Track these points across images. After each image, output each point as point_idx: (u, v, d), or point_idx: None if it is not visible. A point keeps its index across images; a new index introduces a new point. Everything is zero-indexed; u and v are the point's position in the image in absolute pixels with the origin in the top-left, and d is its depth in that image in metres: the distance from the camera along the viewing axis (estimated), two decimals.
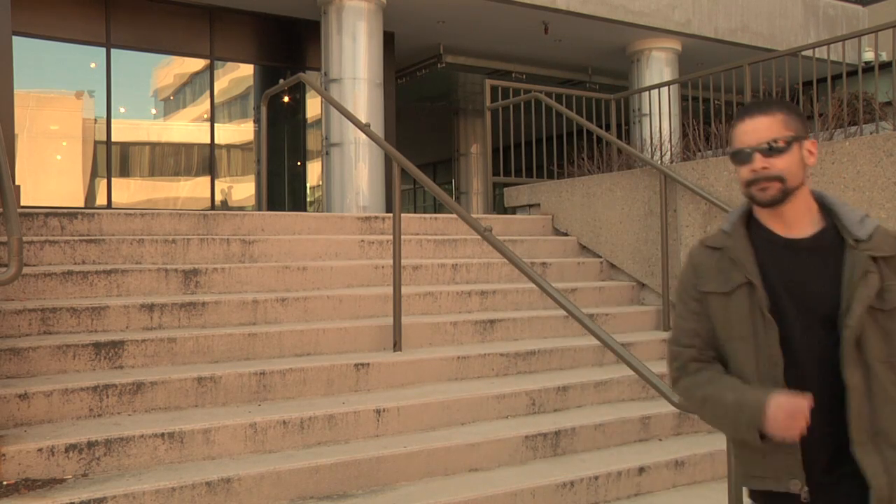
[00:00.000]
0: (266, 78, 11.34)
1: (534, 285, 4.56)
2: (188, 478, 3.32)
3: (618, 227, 6.70)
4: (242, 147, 11.45)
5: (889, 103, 6.95)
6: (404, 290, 5.14)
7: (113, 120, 10.38)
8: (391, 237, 5.66)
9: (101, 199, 10.31)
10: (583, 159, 8.37)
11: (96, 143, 10.37)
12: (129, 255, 5.01)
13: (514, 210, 8.03)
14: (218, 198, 11.06)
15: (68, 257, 4.85)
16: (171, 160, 10.97)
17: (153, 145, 10.91)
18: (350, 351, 4.69)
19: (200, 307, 4.58)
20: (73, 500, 3.05)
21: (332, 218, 6.13)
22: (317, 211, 11.41)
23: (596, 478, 3.91)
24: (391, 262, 5.41)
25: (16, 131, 9.48)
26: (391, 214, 5.89)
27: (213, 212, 5.92)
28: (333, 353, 4.64)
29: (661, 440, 4.53)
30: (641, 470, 4.07)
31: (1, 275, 3.08)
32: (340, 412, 3.92)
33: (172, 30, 10.66)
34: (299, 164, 11.88)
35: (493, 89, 8.46)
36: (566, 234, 7.23)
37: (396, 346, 4.72)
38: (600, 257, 6.83)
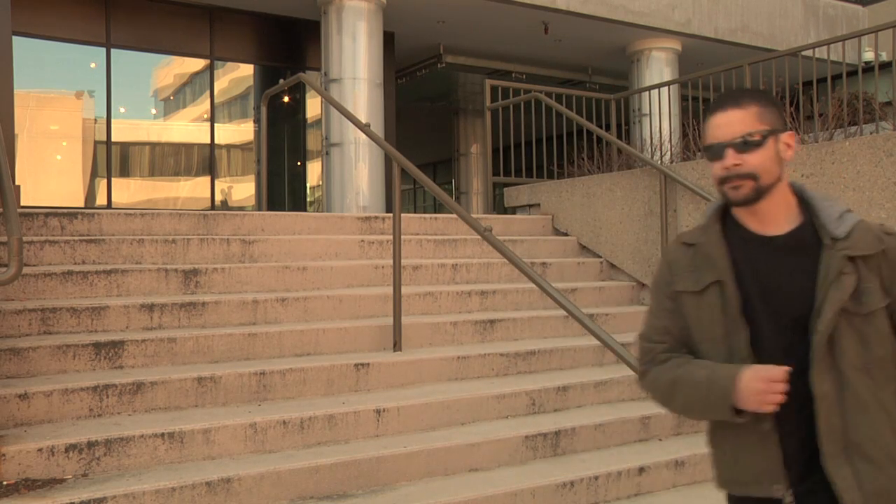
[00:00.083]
0: (266, 78, 11.34)
1: (534, 285, 4.56)
2: (188, 478, 3.32)
3: (618, 227, 6.70)
4: (242, 147, 11.45)
5: (889, 103, 6.95)
6: (404, 290, 5.14)
7: (113, 120, 10.38)
8: (391, 237, 5.66)
9: (101, 199, 10.31)
10: (583, 159, 8.37)
11: (96, 143, 10.37)
12: (129, 255, 5.01)
13: (514, 210, 8.03)
14: (218, 198, 11.06)
15: (68, 257, 4.85)
16: (171, 160, 10.97)
17: (153, 145, 10.91)
18: (350, 351, 4.69)
19: (200, 307, 4.58)
20: (73, 500, 3.05)
21: (332, 218, 6.13)
22: (317, 211, 11.41)
23: (596, 478, 3.91)
24: (391, 262, 5.41)
25: (16, 131, 9.48)
26: (391, 214, 5.90)
27: (213, 212, 5.92)
28: (333, 353, 4.64)
29: (661, 440, 4.53)
30: (641, 470, 4.07)
31: (1, 275, 3.08)
32: (340, 412, 3.92)
33: (172, 30, 10.66)
34: (299, 164, 11.88)
35: (493, 89, 8.47)
36: (566, 234, 7.23)
37: (396, 346, 4.72)
38: (600, 257, 6.83)
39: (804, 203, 1.79)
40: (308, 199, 11.90)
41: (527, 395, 4.49)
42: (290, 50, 11.52)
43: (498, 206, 10.27)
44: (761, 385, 1.63)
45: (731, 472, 1.79)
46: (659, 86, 8.11)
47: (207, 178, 11.00)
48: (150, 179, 10.83)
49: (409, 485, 3.72)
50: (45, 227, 5.05)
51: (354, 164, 9.63)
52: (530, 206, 7.77)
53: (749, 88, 1.79)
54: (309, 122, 11.85)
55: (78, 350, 3.98)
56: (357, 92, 9.73)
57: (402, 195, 5.33)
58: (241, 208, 11.26)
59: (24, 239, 4.69)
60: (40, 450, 3.28)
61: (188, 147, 11.04)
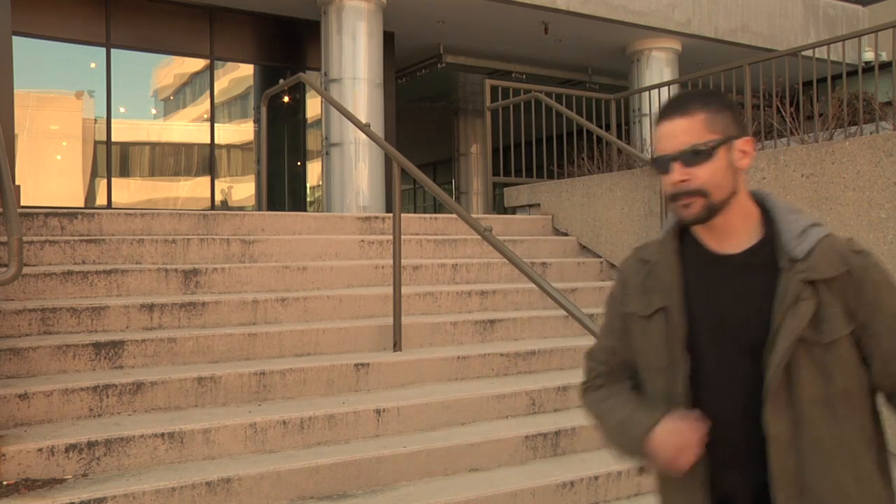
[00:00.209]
0: (266, 78, 11.34)
1: (534, 285, 4.56)
2: (188, 478, 3.32)
3: (618, 227, 6.70)
4: (242, 147, 11.45)
5: (889, 103, 6.95)
6: (404, 290, 5.14)
7: (113, 120, 10.38)
8: (391, 237, 5.66)
9: (101, 199, 10.31)
10: (583, 159, 8.38)
11: (96, 143, 10.37)
12: (129, 255, 5.01)
13: (514, 210, 8.03)
14: (218, 198, 11.07)
15: (68, 257, 4.85)
16: (171, 160, 10.97)
17: (153, 145, 10.91)
18: (350, 351, 4.69)
19: (200, 307, 4.58)
20: (73, 500, 3.05)
21: (332, 218, 6.13)
22: (317, 211, 11.41)
23: (596, 478, 3.90)
24: (391, 262, 5.40)
25: (16, 131, 9.48)
26: (391, 214, 5.90)
27: (213, 212, 5.92)
28: (333, 353, 4.64)
29: None
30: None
31: (1, 275, 3.08)
32: (340, 412, 3.92)
33: (172, 30, 10.66)
34: (299, 164, 11.88)
35: (493, 89, 8.47)
36: (566, 234, 7.23)
37: (396, 346, 4.72)
38: (600, 257, 6.83)
39: (767, 215, 1.60)
40: (308, 199, 11.91)
41: (527, 395, 4.49)
42: (290, 50, 11.52)
43: (498, 206, 10.27)
44: (673, 443, 1.51)
45: None
46: (659, 86, 8.11)
47: (207, 178, 11.00)
48: (150, 179, 10.84)
49: (409, 485, 3.71)
50: (45, 227, 5.05)
51: (354, 164, 9.63)
52: (530, 206, 7.77)
53: (698, 92, 1.62)
54: (309, 122, 11.85)
55: (78, 350, 3.98)
56: (357, 92, 9.73)
57: (402, 195, 5.33)
58: (241, 208, 11.27)
59: (24, 239, 4.69)
60: (40, 450, 3.28)
61: (188, 147, 11.04)
